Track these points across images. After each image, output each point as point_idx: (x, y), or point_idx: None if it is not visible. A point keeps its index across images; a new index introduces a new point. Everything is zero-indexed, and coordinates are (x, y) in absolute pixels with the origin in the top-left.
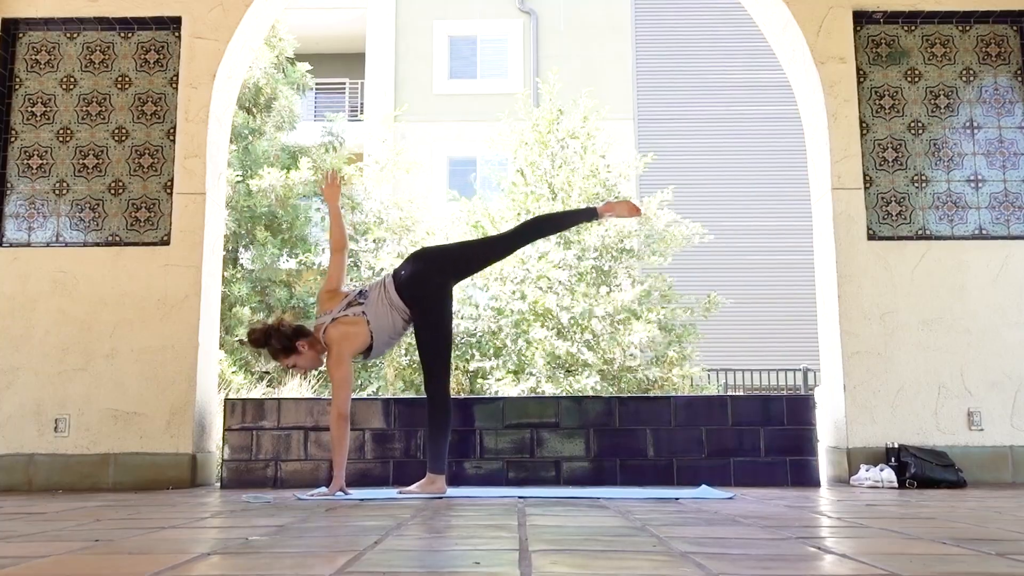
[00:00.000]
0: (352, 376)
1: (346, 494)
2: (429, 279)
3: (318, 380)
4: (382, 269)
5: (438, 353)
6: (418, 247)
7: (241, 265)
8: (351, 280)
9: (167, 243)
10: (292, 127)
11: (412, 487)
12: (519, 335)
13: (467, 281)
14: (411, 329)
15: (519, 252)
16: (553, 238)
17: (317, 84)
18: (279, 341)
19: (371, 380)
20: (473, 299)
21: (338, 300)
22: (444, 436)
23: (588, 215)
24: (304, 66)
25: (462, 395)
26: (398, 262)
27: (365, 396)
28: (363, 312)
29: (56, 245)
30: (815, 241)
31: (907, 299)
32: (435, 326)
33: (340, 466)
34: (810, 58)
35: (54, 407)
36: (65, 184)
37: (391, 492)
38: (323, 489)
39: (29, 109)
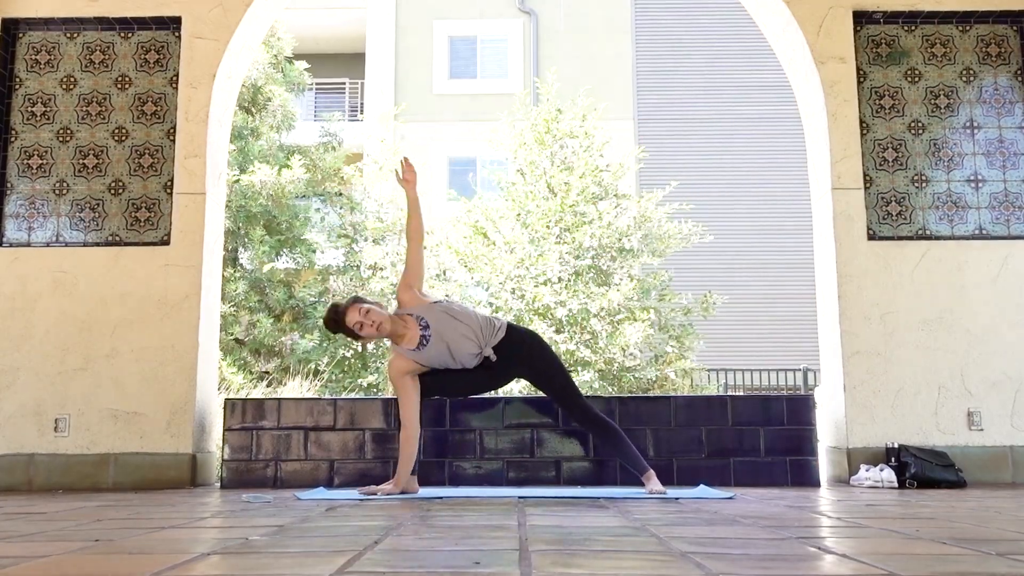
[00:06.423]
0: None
1: (411, 492)
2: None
3: (318, 380)
4: (382, 268)
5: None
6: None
7: (240, 265)
8: (351, 280)
9: (167, 243)
10: (290, 126)
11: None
12: None
13: (467, 279)
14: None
15: (519, 252)
16: (552, 237)
17: (317, 84)
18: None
19: (369, 374)
20: (472, 298)
21: (415, 303)
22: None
23: (640, 469)
24: (302, 64)
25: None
26: (397, 261)
27: (364, 396)
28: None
29: (56, 245)
30: (815, 241)
31: (907, 299)
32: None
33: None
34: (810, 58)
35: (54, 407)
36: (65, 184)
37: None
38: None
39: (29, 109)
